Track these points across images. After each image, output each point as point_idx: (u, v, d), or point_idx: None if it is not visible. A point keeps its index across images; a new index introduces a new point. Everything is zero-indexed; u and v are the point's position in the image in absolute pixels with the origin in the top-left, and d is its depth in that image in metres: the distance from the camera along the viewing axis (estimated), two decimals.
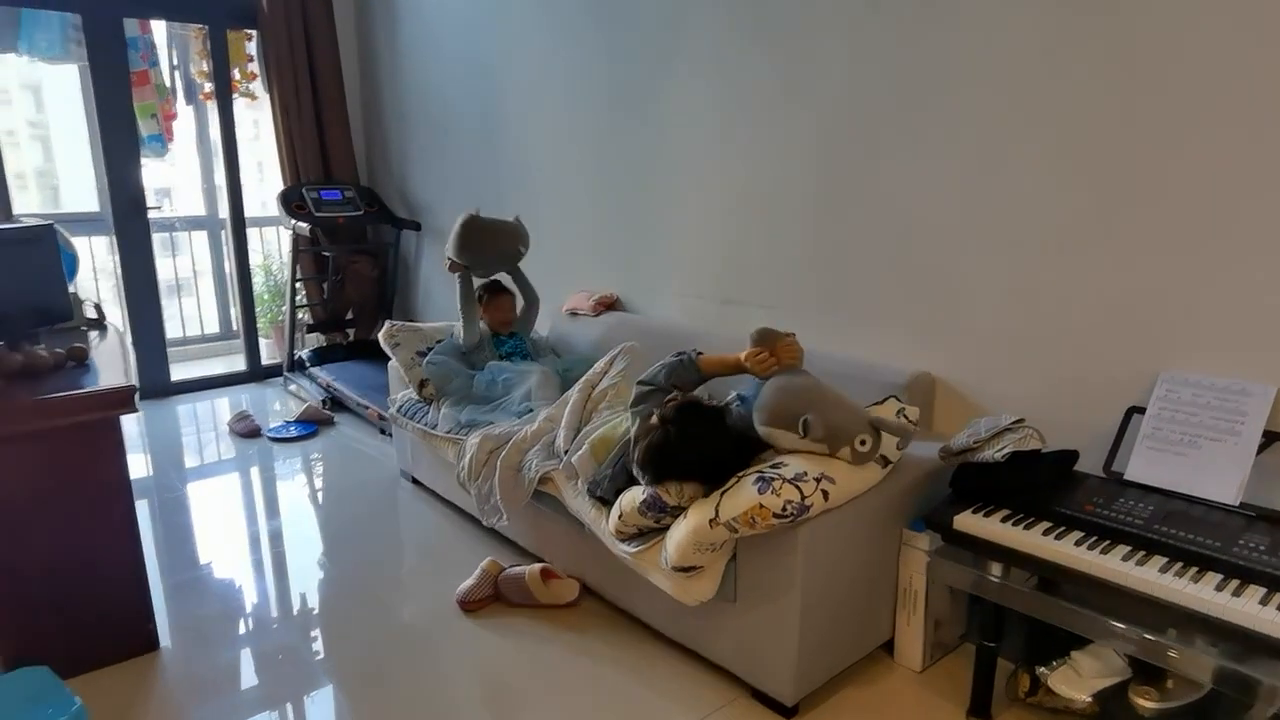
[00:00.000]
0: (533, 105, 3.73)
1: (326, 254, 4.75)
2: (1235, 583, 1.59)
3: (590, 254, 3.62)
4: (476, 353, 3.15)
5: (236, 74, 4.71)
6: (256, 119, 5.64)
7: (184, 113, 5.06)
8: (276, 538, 3.00)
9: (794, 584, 1.87)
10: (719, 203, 2.98)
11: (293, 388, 4.71)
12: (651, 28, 3.08)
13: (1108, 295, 2.06)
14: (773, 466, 1.86)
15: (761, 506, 1.75)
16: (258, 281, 5.05)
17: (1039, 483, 1.92)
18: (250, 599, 2.58)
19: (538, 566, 2.48)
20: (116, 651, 2.26)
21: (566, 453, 2.41)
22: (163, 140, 4.67)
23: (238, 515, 3.22)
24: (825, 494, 1.79)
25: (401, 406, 3.19)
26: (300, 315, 4.89)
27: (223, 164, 4.62)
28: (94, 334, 2.82)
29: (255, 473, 3.67)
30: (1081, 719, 1.90)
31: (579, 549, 2.47)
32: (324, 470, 3.65)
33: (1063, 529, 1.82)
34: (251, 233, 4.99)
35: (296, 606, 2.52)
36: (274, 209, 4.55)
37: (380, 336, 3.29)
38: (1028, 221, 2.17)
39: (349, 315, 5.04)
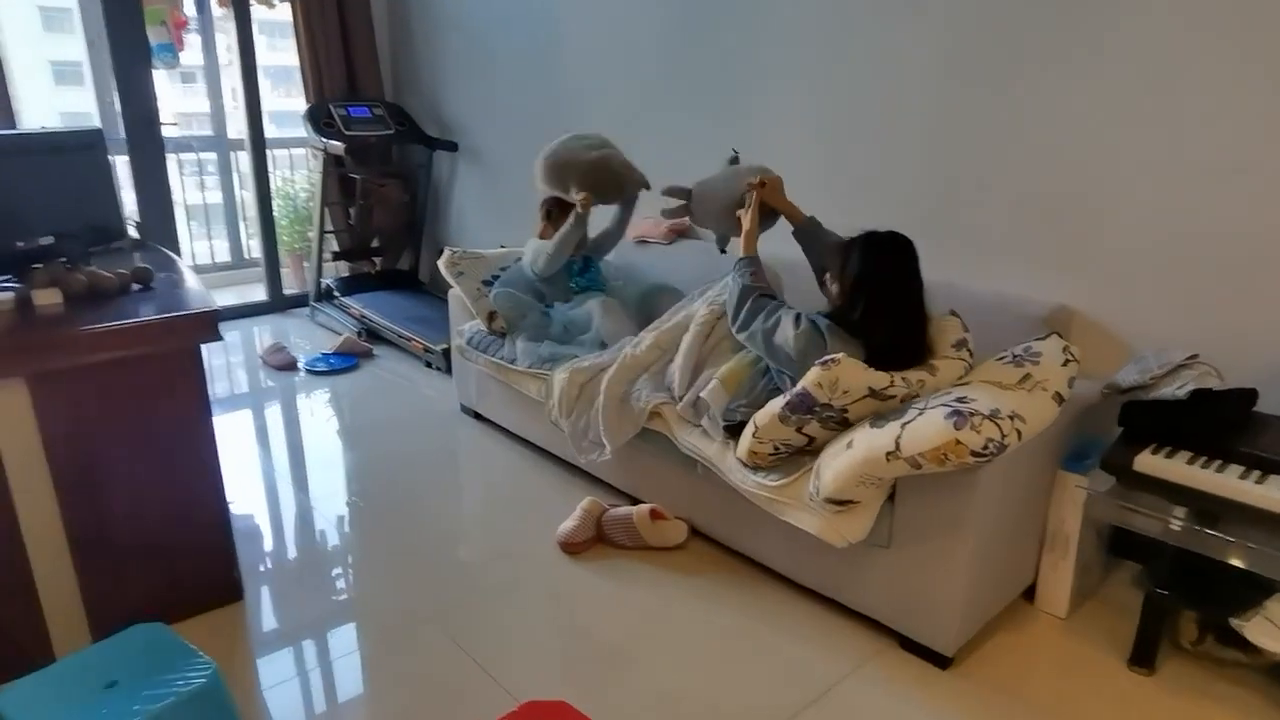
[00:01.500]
0: (594, 10, 3.44)
1: (353, 176, 4.45)
2: None
3: (658, 175, 3.37)
4: (551, 282, 2.93)
5: None
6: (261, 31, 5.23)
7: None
8: (339, 477, 2.82)
9: (967, 527, 1.74)
10: (822, 122, 2.76)
11: (321, 319, 4.46)
12: None
13: (1275, 221, 1.90)
14: (959, 399, 1.71)
15: (959, 443, 1.60)
16: (276, 207, 4.74)
17: (1226, 422, 1.80)
18: (328, 544, 2.42)
19: (645, 507, 2.33)
20: (203, 601, 2.09)
21: (682, 397, 2.25)
22: (174, 50, 4.28)
23: (291, 453, 3.03)
24: (1019, 432, 1.64)
25: (471, 339, 2.98)
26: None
27: (240, 78, 4.27)
28: (136, 255, 2.57)
29: (302, 406, 3.47)
30: (1250, 670, 1.82)
31: (687, 489, 2.33)
32: (374, 405, 3.46)
33: (1257, 471, 1.70)
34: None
35: (381, 554, 2.36)
36: (283, 129, 4.22)
37: (441, 264, 3.07)
38: (1193, 144, 2.00)
39: (375, 243, 4.77)
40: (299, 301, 4.75)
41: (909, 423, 1.69)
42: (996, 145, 2.35)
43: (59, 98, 6.64)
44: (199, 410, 1.96)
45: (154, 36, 4.10)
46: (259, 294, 4.79)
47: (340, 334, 4.13)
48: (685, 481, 2.32)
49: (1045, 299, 2.27)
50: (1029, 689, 1.82)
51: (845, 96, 2.67)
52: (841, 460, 1.77)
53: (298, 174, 5.30)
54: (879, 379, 1.82)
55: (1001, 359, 1.99)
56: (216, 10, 4.48)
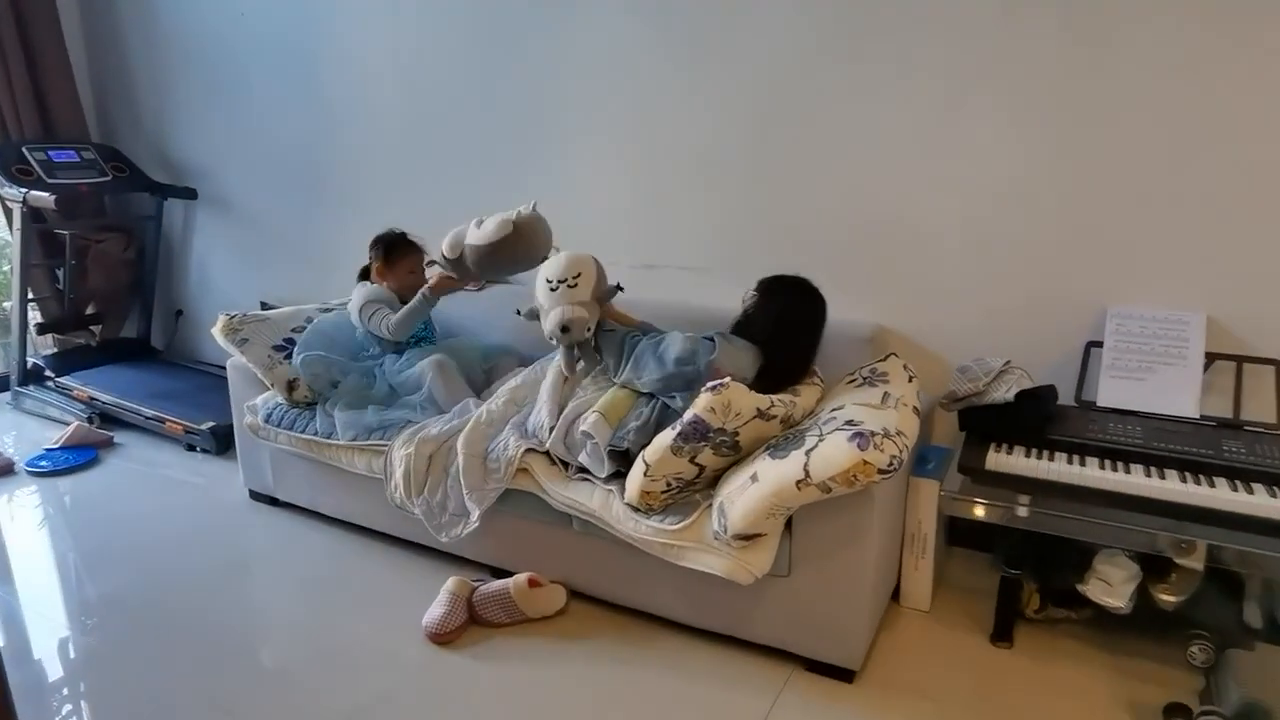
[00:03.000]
0: (366, 39, 3.19)
1: (60, 233, 3.71)
2: (1237, 482, 1.84)
3: (451, 215, 3.19)
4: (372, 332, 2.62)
5: None
6: None
7: None
8: (115, 603, 2.30)
9: (868, 541, 1.83)
10: (630, 157, 2.79)
11: (30, 405, 3.65)
12: None
13: (1055, 239, 2.25)
14: (848, 422, 1.79)
15: (866, 463, 1.67)
16: None
17: (1045, 416, 2.07)
18: (130, 694, 1.95)
19: (522, 576, 2.17)
20: None
21: (553, 428, 2.13)
22: None
23: (45, 584, 2.42)
24: (907, 447, 1.76)
25: (269, 415, 2.60)
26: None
27: None
28: None
29: (32, 517, 2.79)
30: (1079, 624, 2.12)
31: (561, 549, 2.21)
32: (134, 503, 2.88)
33: (1078, 456, 1.98)
34: None
35: (214, 691, 1.95)
36: None
37: (217, 332, 2.65)
38: (980, 171, 2.30)
39: (90, 309, 4.01)
40: None
41: (813, 449, 1.75)
42: (807, 175, 2.52)
43: None
44: None
45: None
46: None
47: (65, 423, 3.40)
48: (558, 541, 2.20)
49: (865, 320, 2.47)
50: (929, 684, 1.95)
51: (655, 134, 2.72)
52: (749, 494, 1.78)
53: None
54: (762, 400, 1.88)
55: (852, 381, 2.14)
56: None
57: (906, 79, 2.33)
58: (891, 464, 1.69)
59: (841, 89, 2.41)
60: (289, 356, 2.62)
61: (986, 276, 2.35)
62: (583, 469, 2.12)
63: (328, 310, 2.87)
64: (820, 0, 2.38)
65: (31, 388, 3.66)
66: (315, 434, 2.48)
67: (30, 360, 3.70)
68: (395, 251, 2.63)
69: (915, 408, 1.98)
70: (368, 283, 2.68)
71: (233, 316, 2.66)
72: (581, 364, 2.27)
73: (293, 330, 2.73)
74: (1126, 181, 2.15)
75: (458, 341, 2.77)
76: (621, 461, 2.01)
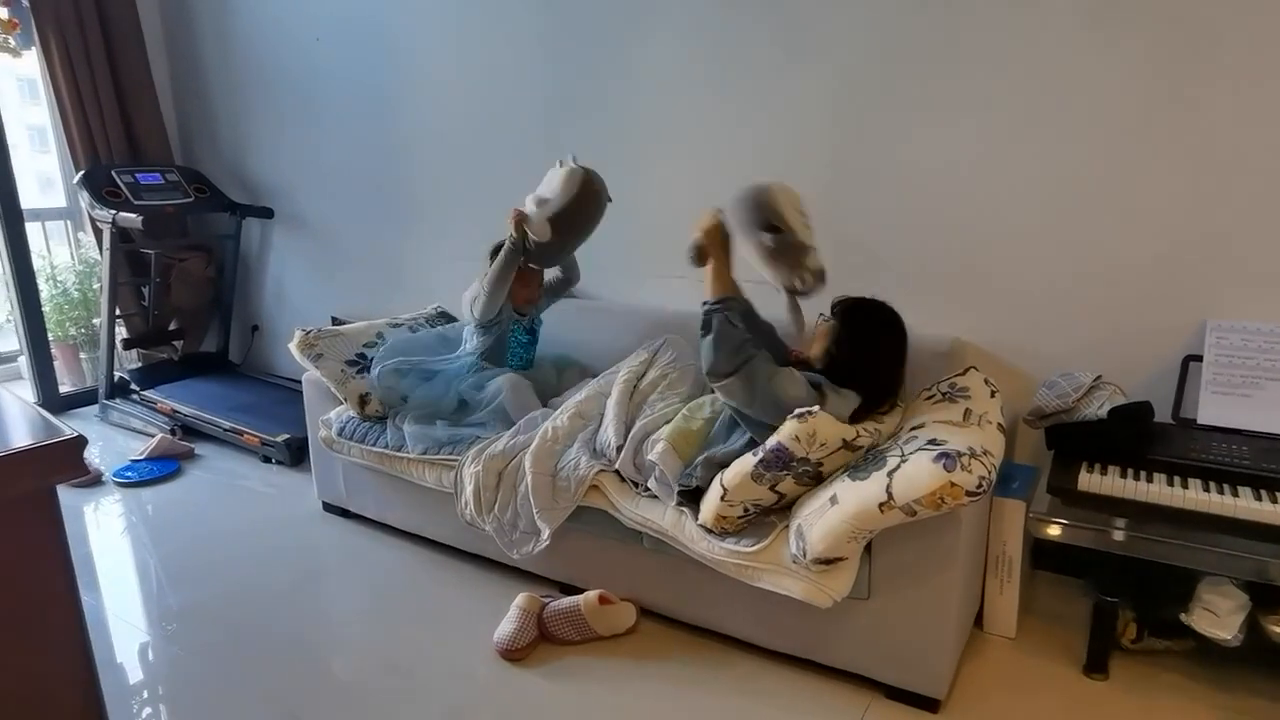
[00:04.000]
0: (435, 63, 3.24)
1: (146, 252, 3.85)
2: None
3: None
4: (488, 330, 2.60)
5: None
6: None
7: None
8: (194, 611, 2.35)
9: (954, 566, 1.76)
10: (698, 170, 2.77)
11: (116, 418, 3.79)
12: None
13: (1149, 249, 2.14)
14: (932, 441, 1.72)
15: (954, 484, 1.60)
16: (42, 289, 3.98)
17: (1140, 435, 1.96)
18: (206, 700, 1.99)
19: (593, 593, 2.15)
20: None
21: (619, 449, 2.11)
22: None
23: (128, 591, 2.50)
24: (995, 467, 1.68)
25: (342, 429, 2.63)
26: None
27: None
28: None
29: (120, 526, 2.88)
30: (1180, 656, 1.99)
31: (631, 566, 2.18)
32: (215, 513, 2.95)
33: (1179, 477, 1.87)
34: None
35: (286, 700, 1.98)
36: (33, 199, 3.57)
37: (294, 347, 2.70)
38: (1065, 177, 2.21)
39: (172, 325, 4.15)
40: (81, 400, 4.02)
41: (895, 470, 1.68)
42: (886, 186, 2.46)
43: None
44: (63, 580, 1.52)
45: None
46: (23, 396, 3.98)
47: (149, 435, 3.52)
48: (629, 558, 2.17)
49: (943, 333, 2.39)
50: (1018, 715, 1.85)
51: (723, 147, 2.69)
52: (830, 517, 1.72)
53: (55, 249, 4.50)
54: (849, 431, 1.81)
55: (931, 398, 2.07)
56: None
57: (986, 86, 2.25)
58: (980, 485, 1.62)
59: (916, 97, 2.35)
60: (361, 371, 2.66)
61: (1073, 287, 2.25)
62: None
63: (397, 325, 2.91)
64: (895, 8, 2.32)
65: (118, 401, 3.80)
66: (386, 447, 2.51)
67: (117, 374, 3.84)
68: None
69: (1000, 424, 1.90)
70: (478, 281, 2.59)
71: (309, 332, 2.72)
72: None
73: (365, 345, 2.77)
74: (1226, 187, 2.03)
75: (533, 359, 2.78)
76: (689, 498, 1.97)
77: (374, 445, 2.54)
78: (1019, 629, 2.15)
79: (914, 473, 1.65)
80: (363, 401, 2.63)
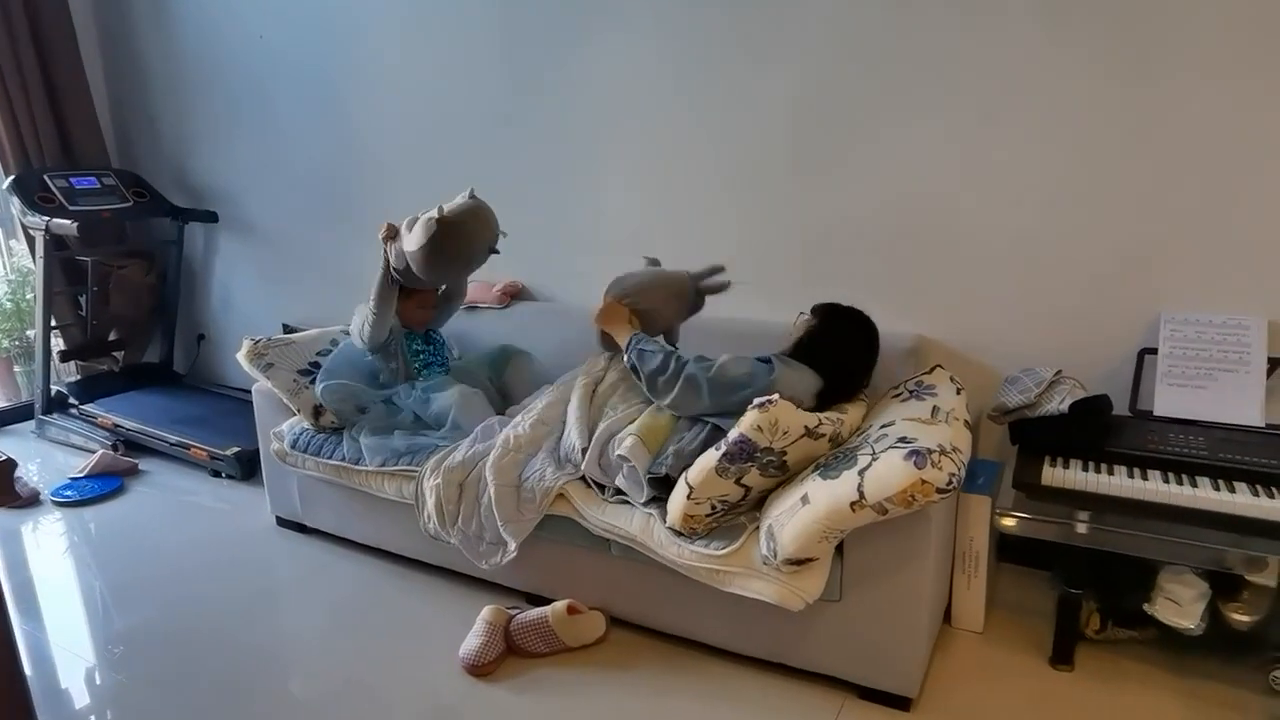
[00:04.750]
0: (387, 62, 3.16)
1: (82, 260, 3.69)
2: None
3: None
4: (387, 355, 2.57)
5: None
6: None
7: None
8: (142, 634, 2.25)
9: (924, 563, 1.76)
10: (658, 172, 2.73)
11: (54, 433, 3.62)
12: None
13: (1104, 243, 2.17)
14: (902, 439, 1.71)
15: (924, 482, 1.59)
16: None
17: (1101, 428, 1.98)
18: None
19: (561, 604, 2.10)
20: None
21: (585, 450, 2.07)
22: None
23: (71, 616, 2.38)
24: (963, 464, 1.68)
25: (295, 441, 2.55)
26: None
27: None
28: None
29: (60, 548, 2.75)
30: (1143, 644, 2.02)
31: (598, 575, 2.15)
32: (162, 532, 2.83)
33: (1139, 469, 1.90)
34: None
35: None
36: None
37: (242, 357, 2.60)
38: (1023, 175, 2.22)
39: (112, 335, 3.99)
40: (16, 416, 3.84)
41: (866, 469, 1.67)
42: (841, 186, 2.45)
43: None
44: None
45: None
46: None
47: (90, 451, 3.37)
48: (597, 566, 2.13)
49: (907, 330, 2.40)
50: (989, 710, 1.86)
51: (682, 147, 2.67)
52: (800, 517, 1.71)
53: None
54: (810, 418, 1.81)
55: (898, 395, 2.07)
56: None
57: (947, 83, 2.26)
58: (950, 482, 1.62)
59: (879, 96, 2.35)
60: (315, 381, 2.57)
61: (1032, 283, 2.27)
62: (620, 491, 2.06)
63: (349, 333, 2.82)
64: (856, 9, 2.32)
65: (55, 415, 3.63)
66: (343, 459, 2.43)
67: (54, 388, 3.68)
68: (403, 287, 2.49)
69: (966, 421, 1.90)
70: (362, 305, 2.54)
71: (257, 341, 2.62)
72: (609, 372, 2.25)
73: (318, 354, 2.68)
74: (1177, 183, 2.06)
75: (464, 363, 2.72)
76: (661, 487, 1.94)
77: (330, 458, 2.46)
78: (986, 622, 2.16)
79: (885, 471, 1.64)
80: (317, 412, 2.55)
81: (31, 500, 3.04)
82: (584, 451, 2.09)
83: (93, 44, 3.88)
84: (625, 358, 2.13)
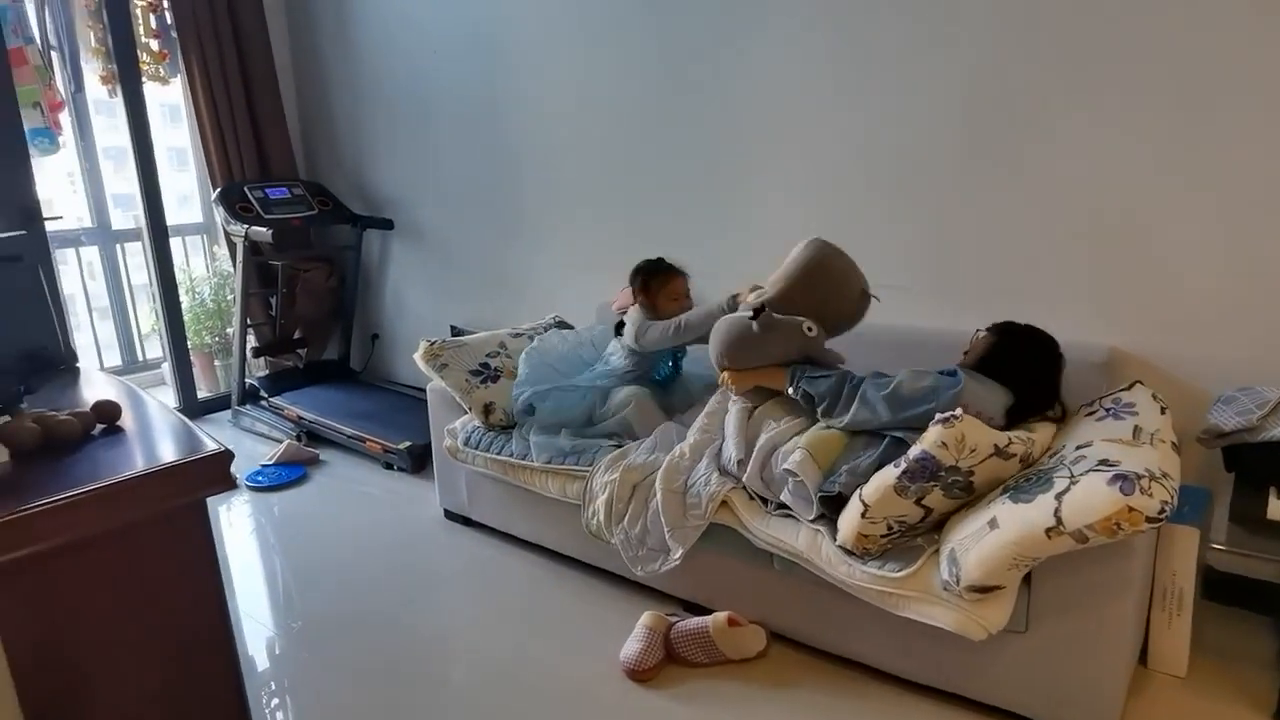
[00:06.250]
0: (547, 74, 3.25)
1: (273, 264, 4.02)
2: None
3: (636, 242, 3.17)
4: (636, 358, 2.54)
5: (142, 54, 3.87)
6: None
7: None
8: (316, 612, 2.40)
9: (1124, 597, 1.61)
10: (824, 176, 2.66)
11: (246, 423, 3.96)
12: None
13: None
14: (1104, 462, 1.57)
15: (1132, 510, 1.46)
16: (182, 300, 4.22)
17: None
18: (324, 697, 2.02)
19: (721, 615, 2.08)
20: None
21: (742, 461, 2.03)
22: (51, 135, 3.74)
23: (257, 591, 2.59)
24: (1175, 491, 1.53)
25: (468, 438, 2.65)
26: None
27: (135, 164, 3.79)
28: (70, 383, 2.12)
29: (254, 529, 3.00)
30: None
31: (760, 588, 2.10)
32: (340, 518, 3.03)
33: None
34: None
35: (401, 706, 1.99)
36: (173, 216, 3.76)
37: (419, 358, 2.74)
38: (1235, 175, 2.00)
39: (297, 334, 4.32)
40: (215, 406, 4.23)
41: (1064, 493, 1.54)
42: (1024, 187, 2.31)
43: None
44: (211, 587, 1.56)
45: (27, 121, 3.58)
46: (164, 400, 4.22)
47: (275, 440, 3.66)
48: (758, 579, 2.09)
49: (1098, 342, 2.21)
50: None
51: (850, 150, 2.58)
52: (988, 543, 1.60)
53: (192, 262, 4.77)
54: (1000, 436, 1.69)
55: (1093, 413, 1.91)
56: (95, 90, 3.97)
57: (1143, 77, 2.07)
58: (1162, 511, 1.47)
59: (1067, 92, 2.18)
60: (485, 380, 2.67)
61: (1251, 293, 2.04)
62: (783, 504, 2.01)
63: (518, 335, 2.91)
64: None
65: (248, 406, 3.97)
66: (511, 456, 2.51)
67: (247, 381, 4.02)
68: (655, 279, 2.49)
69: (1174, 443, 1.73)
70: (634, 309, 2.54)
71: (433, 343, 2.75)
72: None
73: (488, 355, 2.78)
74: None
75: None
76: (831, 505, 1.87)
77: (498, 454, 2.54)
78: (1190, 667, 1.96)
79: (1086, 496, 1.51)
80: (487, 410, 2.64)
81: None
82: (740, 463, 2.06)
83: (287, 69, 4.22)
84: (791, 392, 2.06)
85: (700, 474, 2.12)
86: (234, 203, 3.73)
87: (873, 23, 2.45)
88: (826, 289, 2.08)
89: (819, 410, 1.99)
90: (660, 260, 2.53)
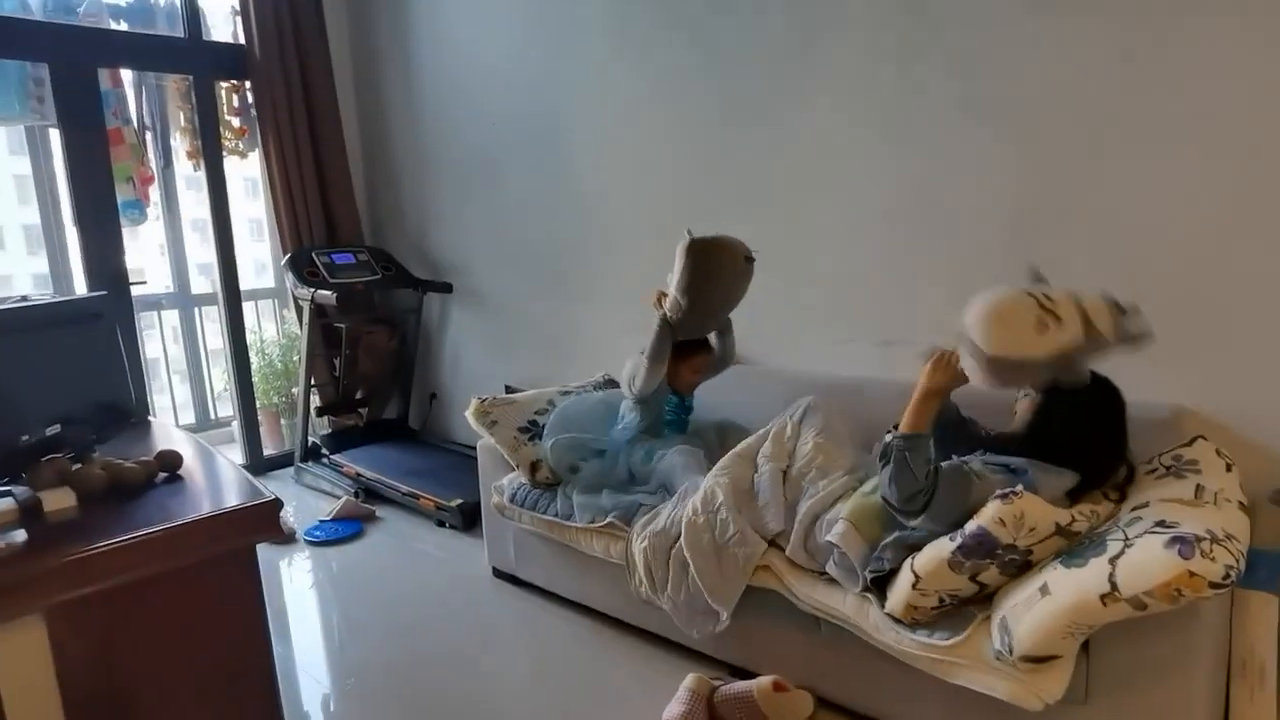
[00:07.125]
0: (605, 143, 3.35)
1: (338, 326, 4.17)
2: None
3: None
4: (647, 407, 2.58)
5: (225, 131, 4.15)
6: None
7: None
8: (369, 668, 2.41)
9: (1194, 669, 1.52)
10: (869, 229, 2.66)
11: (307, 480, 4.07)
12: (773, 49, 2.77)
13: None
14: (1160, 524, 1.50)
15: (1193, 575, 1.38)
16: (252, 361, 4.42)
17: None
18: None
19: (767, 679, 2.02)
20: None
21: (779, 534, 2.00)
22: (140, 206, 4.03)
23: (313, 644, 2.62)
24: (1241, 554, 1.44)
25: (514, 495, 2.68)
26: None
27: (213, 233, 4.02)
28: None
29: (313, 583, 3.06)
30: None
31: (806, 653, 2.04)
32: (393, 574, 3.07)
33: None
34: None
35: None
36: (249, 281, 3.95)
37: (470, 414, 2.79)
38: None
39: (359, 394, 4.45)
40: (280, 463, 4.35)
41: (1118, 557, 1.48)
42: (1082, 235, 2.26)
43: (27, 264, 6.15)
44: (258, 630, 1.60)
45: (120, 193, 3.85)
46: (232, 457, 4.37)
47: (335, 496, 3.75)
48: (804, 644, 2.03)
49: (1160, 399, 2.13)
50: None
51: (910, 191, 2.57)
52: (1040, 610, 1.53)
53: (264, 325, 4.99)
54: (1063, 514, 1.62)
55: (1153, 471, 1.83)
56: (183, 166, 4.26)
57: (1206, 103, 2.03)
58: (1227, 576, 1.39)
59: (1128, 128, 2.15)
60: (533, 438, 2.70)
61: None
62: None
63: (566, 393, 2.95)
64: (1096, 35, 2.16)
65: (310, 464, 4.08)
66: (556, 515, 2.51)
67: (310, 439, 4.14)
68: (687, 346, 2.55)
69: (1241, 503, 1.64)
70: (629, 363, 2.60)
71: (484, 400, 2.81)
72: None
73: (536, 413, 2.82)
74: None
75: (695, 426, 2.73)
76: (881, 584, 1.82)
77: (544, 513, 2.55)
78: None
79: (1142, 560, 1.44)
80: (534, 468, 2.67)
81: (289, 538, 3.41)
82: (778, 534, 2.02)
83: (355, 139, 4.45)
84: (892, 438, 1.83)
85: (731, 531, 2.06)
86: (302, 268, 3.90)
87: (913, 90, 2.47)
88: (722, 275, 2.34)
89: (882, 476, 1.83)
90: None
